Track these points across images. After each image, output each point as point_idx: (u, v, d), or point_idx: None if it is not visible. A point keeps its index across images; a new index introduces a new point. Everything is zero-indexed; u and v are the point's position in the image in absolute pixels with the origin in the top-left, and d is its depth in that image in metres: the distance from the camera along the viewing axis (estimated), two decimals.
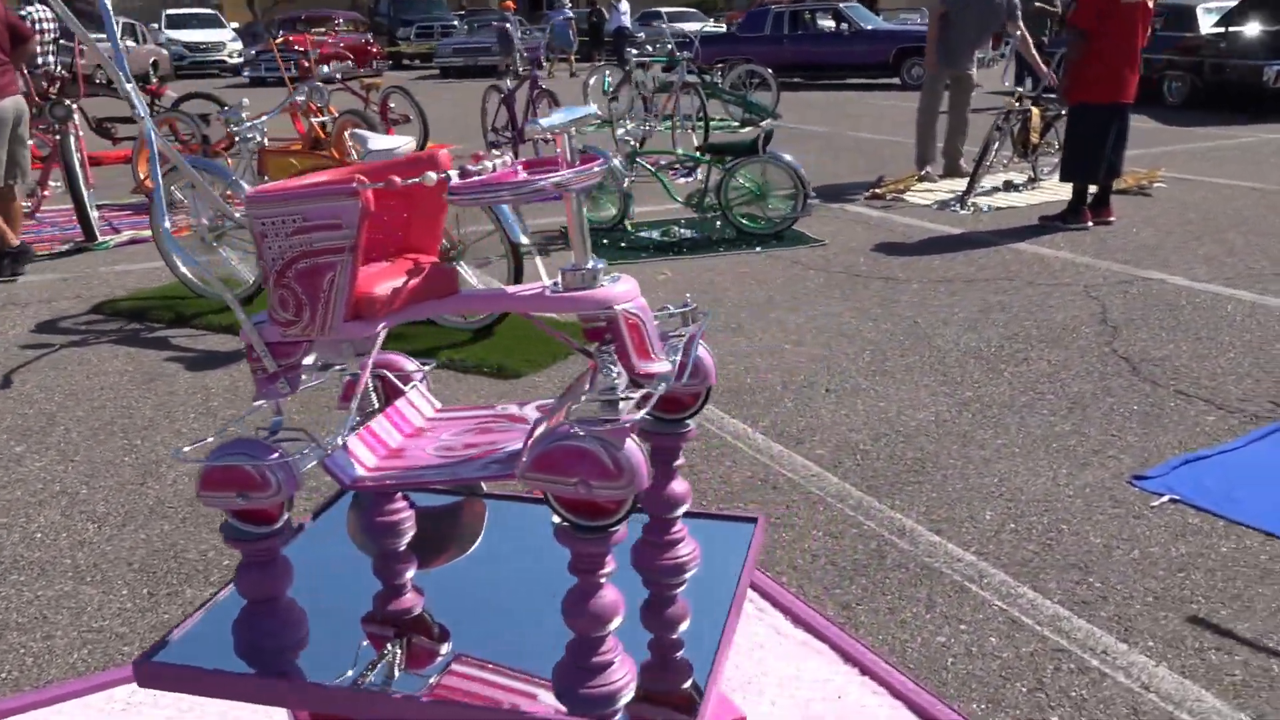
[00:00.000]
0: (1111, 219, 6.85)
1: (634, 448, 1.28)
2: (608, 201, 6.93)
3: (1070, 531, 2.93)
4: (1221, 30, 12.96)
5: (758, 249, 6.37)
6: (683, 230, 6.88)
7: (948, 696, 2.24)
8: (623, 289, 1.45)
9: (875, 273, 5.75)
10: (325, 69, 18.88)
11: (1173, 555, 2.79)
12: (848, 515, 3.04)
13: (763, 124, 13.04)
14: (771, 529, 2.98)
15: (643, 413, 1.32)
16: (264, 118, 4.85)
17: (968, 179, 7.74)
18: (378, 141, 4.56)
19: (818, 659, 2.37)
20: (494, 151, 1.59)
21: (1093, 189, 6.80)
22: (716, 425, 3.71)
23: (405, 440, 1.73)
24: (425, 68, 26.44)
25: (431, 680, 1.57)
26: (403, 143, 4.61)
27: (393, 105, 11.06)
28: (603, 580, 1.37)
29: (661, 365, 1.46)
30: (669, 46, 11.39)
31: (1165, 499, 3.09)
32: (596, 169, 1.46)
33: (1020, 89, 9.06)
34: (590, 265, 1.45)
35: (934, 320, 4.87)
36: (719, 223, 6.81)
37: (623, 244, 6.57)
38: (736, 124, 12.92)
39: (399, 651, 1.71)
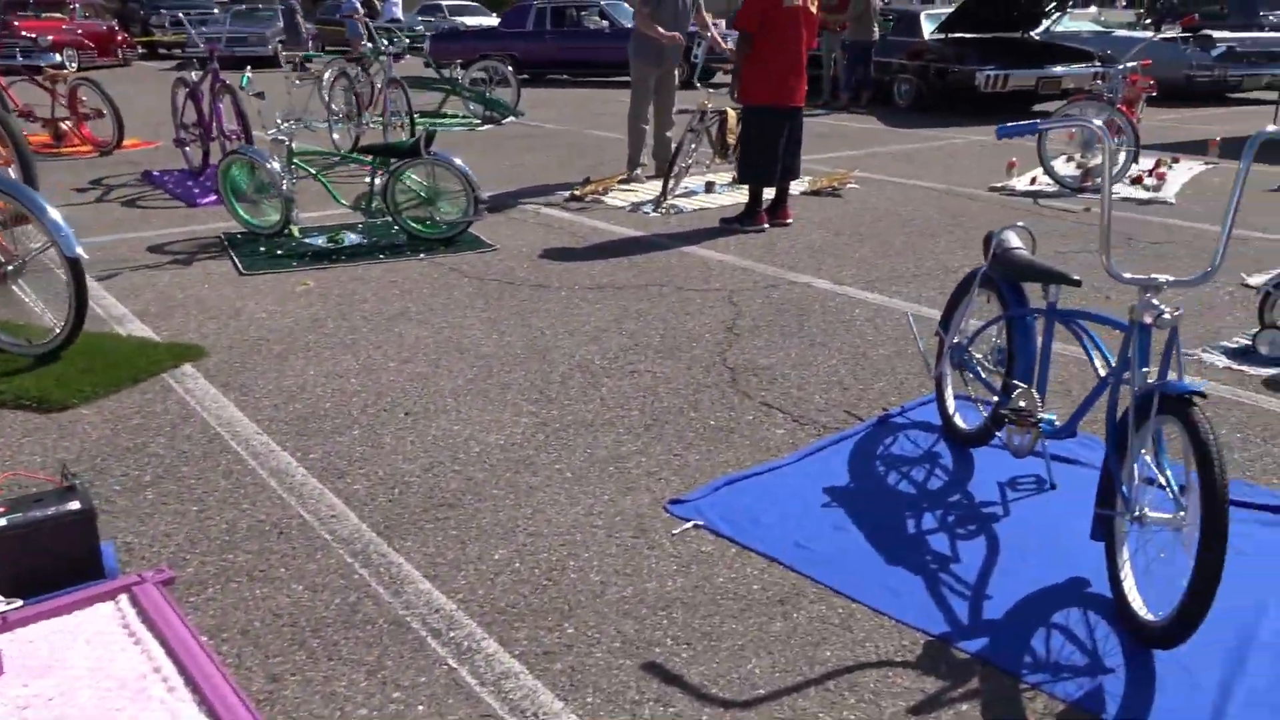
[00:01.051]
0: (789, 220, 6.91)
1: None
2: (269, 207, 6.45)
3: (575, 568, 2.74)
4: (941, 36, 13.60)
5: (421, 256, 6.05)
6: (353, 236, 6.48)
7: None
8: None
9: (531, 280, 5.53)
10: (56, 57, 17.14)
11: (666, 590, 2.64)
12: (344, 564, 2.76)
13: (504, 121, 12.82)
14: (248, 585, 2.65)
15: None
16: None
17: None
18: None
19: None
20: None
21: (770, 191, 6.84)
22: (261, 461, 3.36)
23: None
24: (183, 58, 24.68)
25: None
26: None
27: (84, 99, 10.13)
28: None
29: None
30: (366, 43, 10.83)
31: (690, 525, 2.96)
32: None
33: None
34: None
35: (562, 331, 4.68)
36: (394, 228, 6.46)
37: (279, 252, 6.10)
38: (477, 121, 12.61)
39: None
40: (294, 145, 6.22)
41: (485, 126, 12.29)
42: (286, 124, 6.13)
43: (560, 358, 4.34)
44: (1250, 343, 4.40)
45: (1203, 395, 2.31)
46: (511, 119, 12.71)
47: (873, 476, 3.26)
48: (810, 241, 6.45)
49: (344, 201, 6.45)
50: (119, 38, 23.47)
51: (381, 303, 5.13)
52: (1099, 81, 8.15)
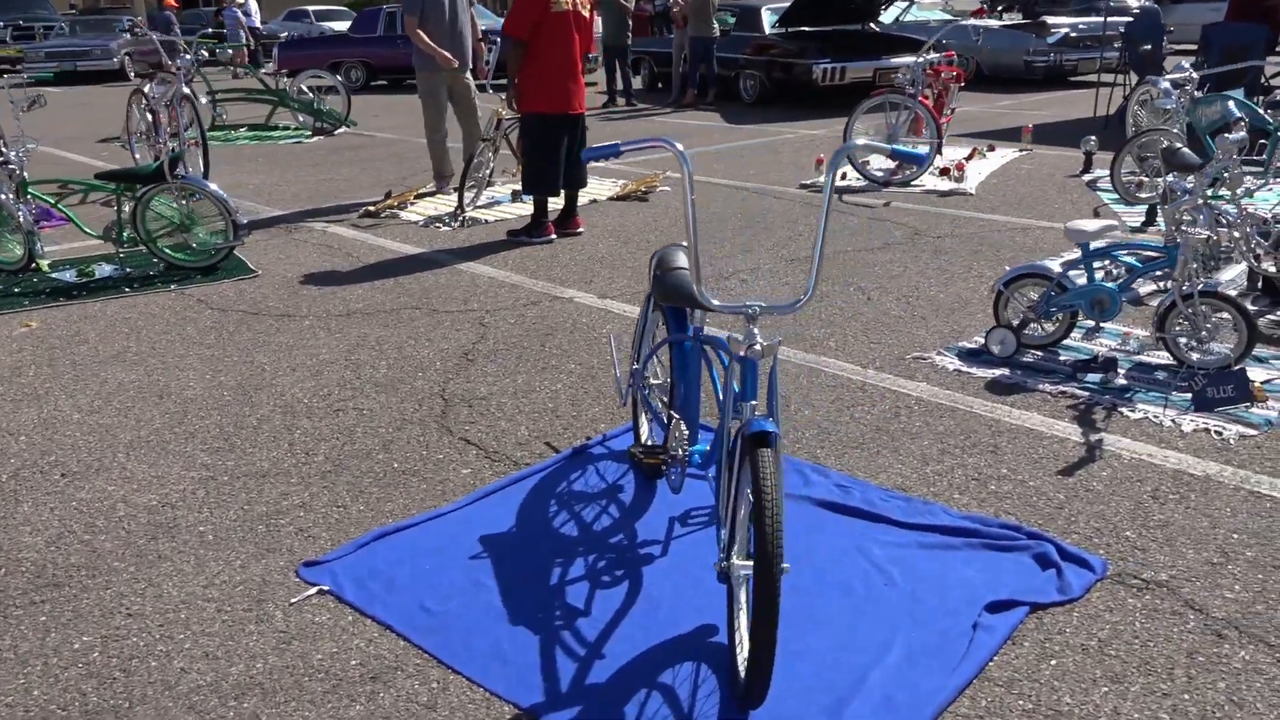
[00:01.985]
0: (580, 230, 6.71)
1: None
2: (11, 242, 5.99)
3: (162, 654, 2.47)
4: (782, 31, 13.59)
5: (173, 287, 5.67)
6: (108, 268, 6.07)
7: None
8: None
9: (278, 309, 5.21)
10: None
11: (251, 674, 2.39)
12: None
13: (336, 131, 12.38)
14: None
15: None
16: None
17: (473, 191, 7.41)
18: None
19: None
20: None
21: (558, 201, 6.63)
22: None
23: None
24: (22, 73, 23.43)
25: None
26: None
27: None
28: None
29: None
30: (185, 54, 10.25)
31: (314, 591, 2.71)
32: None
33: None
34: None
35: (285, 367, 4.38)
36: (153, 258, 6.06)
37: (17, 290, 5.67)
38: (308, 133, 12.15)
39: None
40: (27, 174, 5.78)
41: (315, 138, 11.85)
42: (16, 151, 5.68)
43: (267, 398, 4.05)
44: (979, 345, 4.33)
45: (776, 435, 2.14)
46: (344, 129, 12.28)
47: (540, 519, 3.06)
48: (595, 252, 6.25)
49: (91, 232, 6.03)
50: None
51: (102, 343, 4.76)
52: (898, 75, 8.12)
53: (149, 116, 9.20)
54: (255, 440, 3.67)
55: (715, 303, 2.38)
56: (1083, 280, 4.17)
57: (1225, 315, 3.94)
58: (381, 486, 3.30)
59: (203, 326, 4.98)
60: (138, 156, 9.53)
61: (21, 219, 5.79)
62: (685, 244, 3.07)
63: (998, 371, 4.09)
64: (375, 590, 2.69)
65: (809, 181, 8.19)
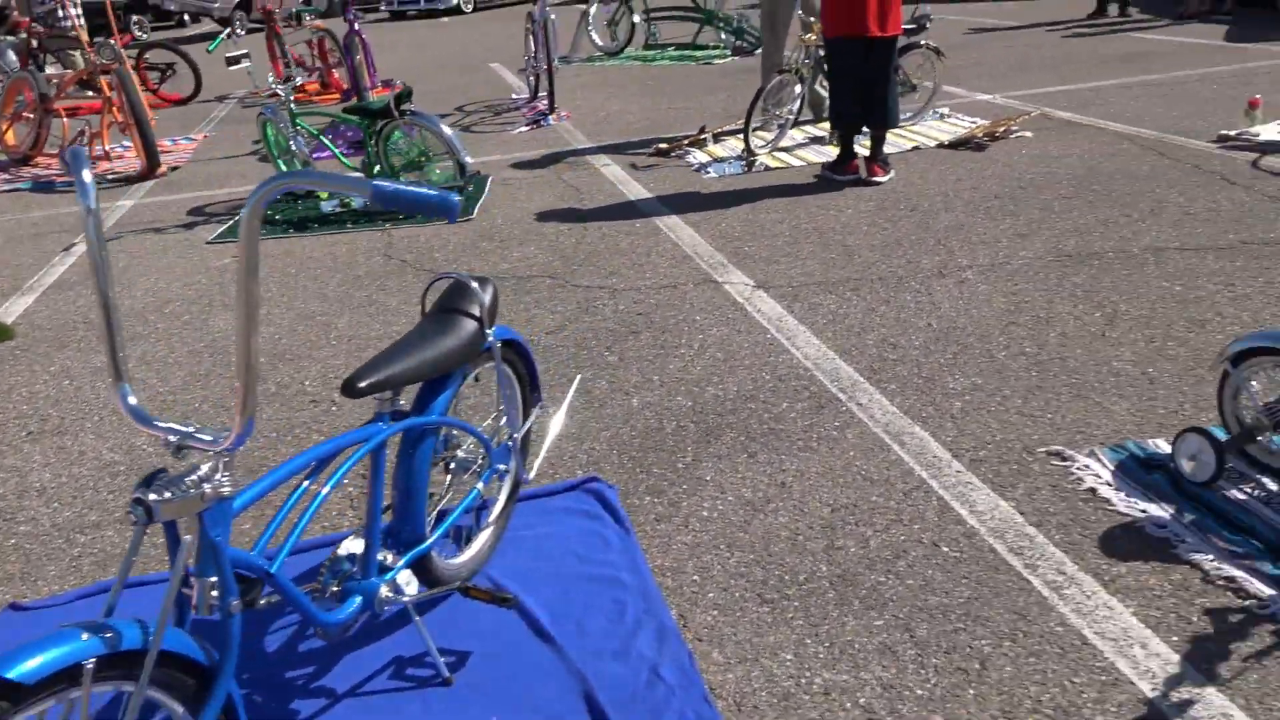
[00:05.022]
0: (878, 180, 5.50)
1: None
2: (292, 169, 6.37)
3: None
4: None
5: (386, 225, 5.62)
6: (359, 201, 6.18)
7: None
8: None
9: (427, 264, 4.88)
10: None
11: None
12: None
13: (756, 52, 11.71)
14: None
15: None
16: None
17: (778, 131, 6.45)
18: None
19: None
20: None
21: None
22: None
23: None
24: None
25: None
26: None
27: (330, 47, 10.79)
28: None
29: None
30: None
31: None
32: None
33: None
34: None
35: (346, 334, 4.04)
36: None
37: (278, 217, 6.02)
38: (728, 53, 11.62)
39: None
40: (293, 105, 6.04)
41: (728, 58, 11.31)
42: (284, 83, 5.94)
43: (289, 371, 3.74)
44: (1167, 454, 2.58)
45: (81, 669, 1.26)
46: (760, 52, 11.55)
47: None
48: (827, 222, 4.99)
49: (349, 164, 6.18)
50: None
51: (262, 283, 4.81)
52: None
53: (531, 41, 9.37)
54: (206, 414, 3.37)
55: (131, 401, 1.51)
56: None
57: None
58: None
59: (351, 275, 4.82)
60: (531, 79, 9.77)
61: (294, 148, 6.11)
62: (474, 277, 2.12)
63: (1153, 510, 2.39)
64: None
65: (1231, 131, 5.84)
